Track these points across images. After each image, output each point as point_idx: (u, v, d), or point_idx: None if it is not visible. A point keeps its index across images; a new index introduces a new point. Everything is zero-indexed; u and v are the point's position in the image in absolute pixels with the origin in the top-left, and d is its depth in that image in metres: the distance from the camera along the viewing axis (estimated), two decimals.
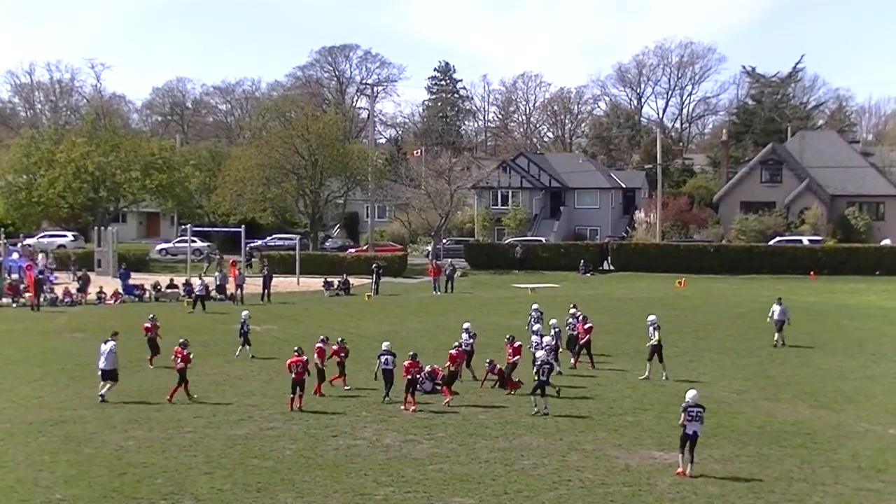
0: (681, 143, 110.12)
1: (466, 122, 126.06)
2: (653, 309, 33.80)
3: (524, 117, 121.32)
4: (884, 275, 54.44)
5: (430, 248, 66.36)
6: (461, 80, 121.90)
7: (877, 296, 46.12)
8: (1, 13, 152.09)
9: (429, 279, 50.81)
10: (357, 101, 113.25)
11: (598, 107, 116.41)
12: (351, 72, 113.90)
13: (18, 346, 30.80)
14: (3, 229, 50.98)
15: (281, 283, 48.57)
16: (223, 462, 17.54)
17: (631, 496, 15.82)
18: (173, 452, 18.14)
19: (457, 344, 24.51)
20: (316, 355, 23.39)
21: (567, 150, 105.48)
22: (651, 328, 25.45)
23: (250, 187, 63.54)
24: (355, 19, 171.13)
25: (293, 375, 21.69)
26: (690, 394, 17.38)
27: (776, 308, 31.05)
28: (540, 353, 22.28)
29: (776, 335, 30.71)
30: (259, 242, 65.41)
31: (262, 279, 44.68)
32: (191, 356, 22.98)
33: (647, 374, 25.31)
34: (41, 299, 41.11)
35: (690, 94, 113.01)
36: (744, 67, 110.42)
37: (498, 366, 24.13)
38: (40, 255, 52.05)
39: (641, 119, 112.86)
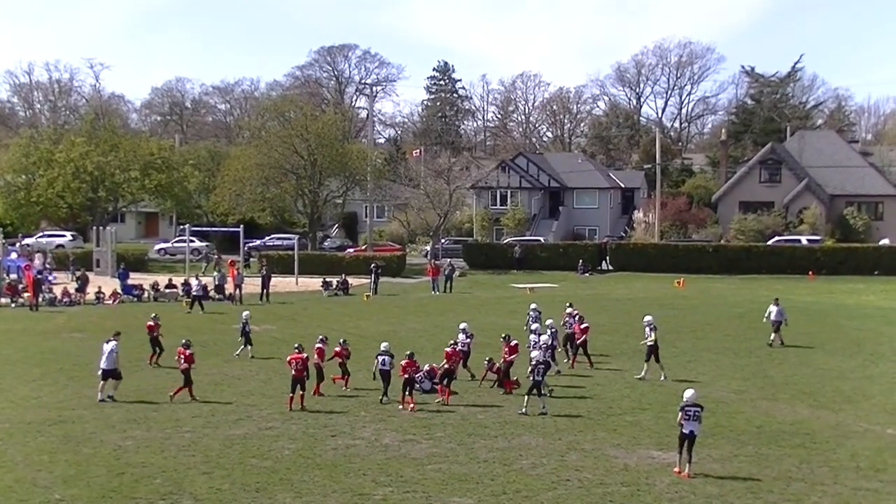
0: (680, 143, 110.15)
1: (465, 122, 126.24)
2: (651, 309, 33.87)
3: (523, 117, 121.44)
4: (882, 275, 54.47)
5: (428, 247, 66.37)
6: (460, 80, 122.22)
7: (875, 296, 46.14)
8: (1, 13, 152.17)
9: (427, 279, 50.81)
10: (356, 100, 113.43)
11: (597, 106, 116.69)
12: (350, 71, 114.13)
13: (17, 346, 30.77)
14: (1, 229, 50.89)
15: (279, 283, 48.55)
16: (222, 462, 17.54)
17: (629, 496, 15.83)
18: (172, 452, 18.14)
19: (452, 342, 24.50)
20: (316, 355, 23.39)
21: (566, 150, 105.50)
22: (647, 328, 25.46)
23: (249, 187, 63.53)
24: (355, 19, 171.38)
25: (293, 372, 21.71)
26: (688, 393, 17.40)
27: (773, 308, 31.10)
28: (535, 354, 22.28)
29: (772, 335, 30.76)
30: (258, 242, 65.41)
31: (260, 279, 44.68)
32: (194, 356, 23.03)
33: (643, 374, 25.33)
34: (40, 299, 41.07)
35: (689, 94, 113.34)
36: (743, 67, 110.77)
37: (497, 364, 24.13)
38: (37, 256, 51.96)
39: (640, 119, 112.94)
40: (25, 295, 42.02)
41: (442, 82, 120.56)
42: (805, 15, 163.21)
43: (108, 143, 64.45)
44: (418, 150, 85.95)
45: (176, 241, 66.89)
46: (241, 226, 55.29)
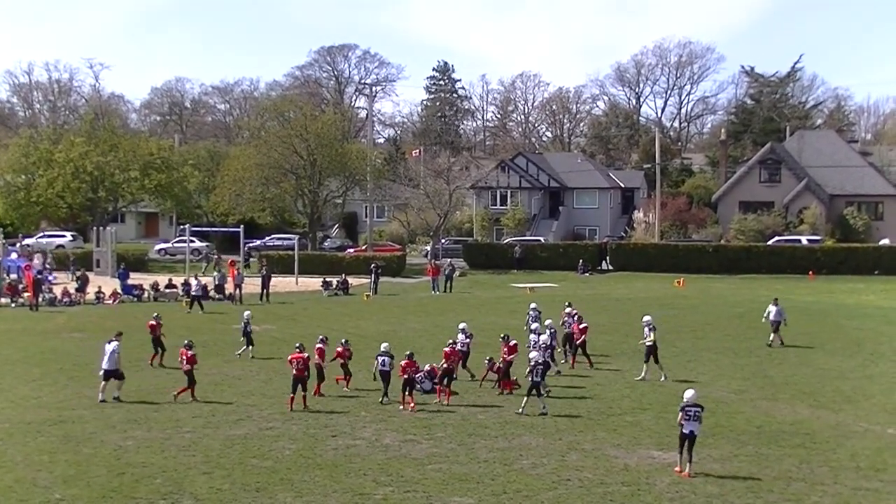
0: (679, 143, 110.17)
1: (465, 122, 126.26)
2: (651, 309, 33.88)
3: (523, 117, 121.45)
4: (882, 274, 54.49)
5: (428, 247, 66.39)
6: (460, 80, 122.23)
7: (875, 295, 46.16)
8: (1, 13, 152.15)
9: (427, 279, 50.82)
10: (356, 100, 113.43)
11: (597, 106, 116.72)
12: (349, 71, 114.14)
13: (17, 346, 30.77)
14: (1, 229, 50.90)
15: (280, 282, 48.55)
16: (222, 462, 17.55)
17: (630, 495, 15.83)
18: (172, 452, 18.14)
19: (451, 342, 24.49)
20: (317, 355, 23.39)
21: (566, 150, 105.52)
22: (646, 329, 25.46)
23: (249, 187, 63.54)
24: (355, 19, 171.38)
25: (294, 371, 21.72)
26: (688, 393, 17.41)
27: (772, 308, 31.11)
28: (533, 354, 22.26)
29: (771, 335, 30.77)
30: (258, 242, 65.41)
31: (260, 279, 44.69)
32: (196, 357, 23.04)
33: (643, 375, 25.32)
34: (40, 299, 41.08)
35: (689, 94, 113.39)
36: (742, 67, 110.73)
37: (497, 364, 24.13)
38: (36, 256, 51.91)
39: (640, 119, 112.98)
40: (25, 295, 42.03)
41: (442, 82, 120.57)
42: (805, 15, 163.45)
43: (108, 143, 64.45)
44: (418, 150, 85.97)
45: (176, 242, 66.90)
46: (241, 226, 55.31)
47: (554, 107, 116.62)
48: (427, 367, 23.81)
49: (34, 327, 35.27)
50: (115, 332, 24.43)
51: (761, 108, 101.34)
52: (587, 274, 57.63)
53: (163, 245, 68.16)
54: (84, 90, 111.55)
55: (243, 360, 27.96)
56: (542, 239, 67.95)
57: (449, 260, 57.35)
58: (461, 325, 26.52)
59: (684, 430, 16.92)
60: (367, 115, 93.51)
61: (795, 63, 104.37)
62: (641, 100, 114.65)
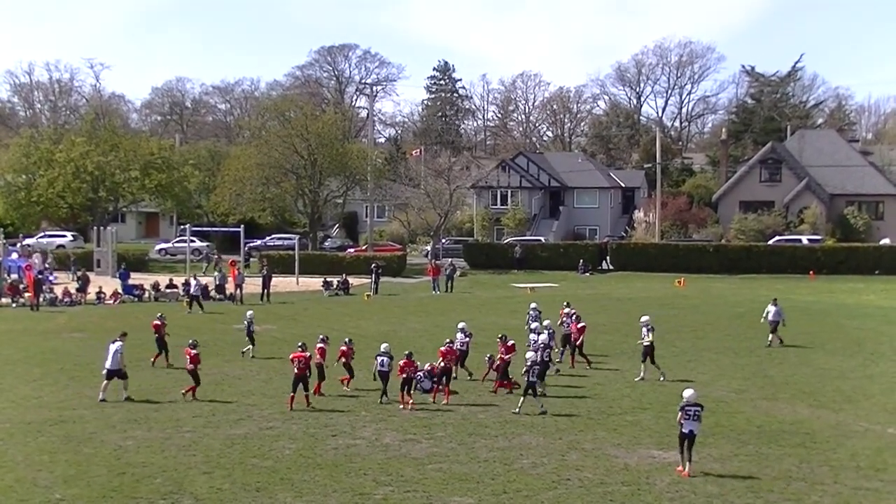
0: (680, 143, 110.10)
1: (466, 122, 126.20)
2: (652, 308, 33.91)
3: (523, 116, 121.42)
4: (883, 274, 54.49)
5: (429, 247, 66.38)
6: (460, 80, 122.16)
7: (876, 295, 46.16)
8: (1, 13, 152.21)
9: (428, 279, 50.82)
10: (356, 100, 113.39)
11: (598, 106, 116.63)
12: (350, 71, 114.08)
13: (18, 346, 30.79)
14: (2, 229, 50.91)
15: (280, 282, 48.57)
16: (222, 461, 17.56)
17: (630, 495, 15.84)
18: (172, 452, 18.16)
19: (448, 341, 24.49)
20: (318, 355, 23.40)
21: (566, 150, 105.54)
22: (644, 329, 25.45)
23: (249, 187, 63.54)
24: (355, 19, 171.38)
25: (295, 370, 21.73)
26: (688, 393, 17.41)
27: (771, 308, 31.09)
28: (529, 354, 22.25)
29: (770, 336, 30.76)
30: (258, 242, 65.35)
31: (261, 279, 44.70)
32: (199, 356, 23.06)
33: (641, 375, 25.31)
34: (40, 299, 41.10)
35: (689, 94, 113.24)
36: (743, 66, 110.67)
37: (497, 362, 24.15)
38: (35, 256, 51.89)
39: (641, 118, 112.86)
40: (26, 295, 42.05)
41: (442, 82, 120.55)
42: (805, 15, 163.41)
43: (109, 143, 64.44)
44: (418, 150, 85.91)
45: (176, 242, 66.87)
46: (242, 226, 55.29)
47: (554, 106, 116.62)
48: (427, 367, 23.81)
49: (35, 327, 35.29)
50: (117, 332, 24.48)
51: (762, 108, 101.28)
52: (587, 274, 57.63)
53: (163, 245, 68.12)
54: (85, 90, 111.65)
55: (243, 360, 27.98)
56: (542, 239, 67.94)
57: (449, 260, 57.35)
58: (460, 325, 26.53)
59: (684, 430, 16.93)
60: (367, 114, 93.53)
61: (796, 63, 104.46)
62: (642, 99, 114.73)
